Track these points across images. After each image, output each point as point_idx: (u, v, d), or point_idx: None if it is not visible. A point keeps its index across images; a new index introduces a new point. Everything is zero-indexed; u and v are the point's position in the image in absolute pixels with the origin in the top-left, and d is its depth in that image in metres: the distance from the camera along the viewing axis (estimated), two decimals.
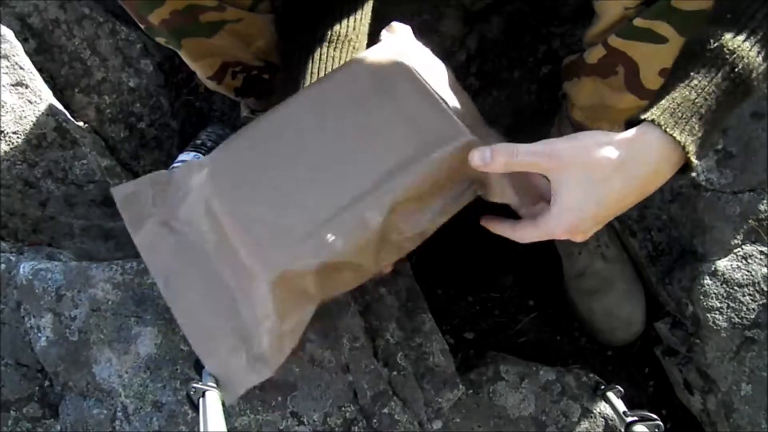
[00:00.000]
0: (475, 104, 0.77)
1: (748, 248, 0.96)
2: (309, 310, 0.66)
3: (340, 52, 0.78)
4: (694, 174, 1.01)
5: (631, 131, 0.57)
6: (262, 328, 0.65)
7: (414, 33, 0.78)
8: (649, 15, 0.70)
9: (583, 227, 0.60)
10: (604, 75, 0.81)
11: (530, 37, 1.24)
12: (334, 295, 0.70)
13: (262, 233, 0.64)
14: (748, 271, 0.96)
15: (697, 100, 0.55)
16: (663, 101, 0.56)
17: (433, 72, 0.73)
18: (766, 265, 0.96)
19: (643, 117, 0.56)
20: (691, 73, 0.56)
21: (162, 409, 0.79)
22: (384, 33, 0.76)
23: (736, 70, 0.55)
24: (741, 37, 0.55)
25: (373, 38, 0.79)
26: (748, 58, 0.55)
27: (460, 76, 1.22)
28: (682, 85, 0.56)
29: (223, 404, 0.67)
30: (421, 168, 0.63)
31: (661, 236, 1.04)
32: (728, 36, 0.55)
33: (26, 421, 0.83)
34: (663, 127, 0.55)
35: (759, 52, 0.55)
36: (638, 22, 0.71)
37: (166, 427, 0.79)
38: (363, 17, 0.80)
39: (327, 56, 0.77)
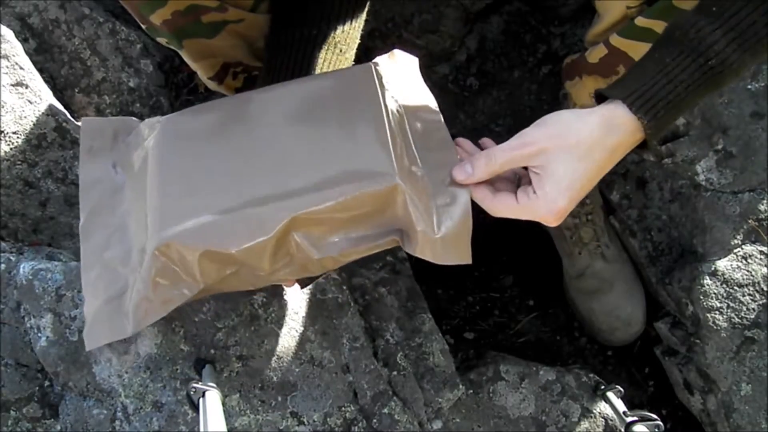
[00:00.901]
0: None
1: (748, 248, 0.97)
2: (186, 292, 0.64)
3: (324, 53, 0.77)
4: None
5: (601, 109, 0.59)
6: (135, 288, 0.65)
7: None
8: (651, 14, 0.70)
9: (568, 208, 0.60)
10: (605, 74, 0.82)
11: (530, 37, 1.24)
12: (226, 290, 0.68)
13: (172, 198, 0.64)
14: (748, 271, 0.96)
15: (667, 86, 0.57)
16: (634, 82, 0.58)
17: (412, 106, 0.71)
18: (766, 265, 0.96)
19: (613, 94, 0.59)
20: (666, 59, 0.58)
21: (162, 409, 0.80)
22: (382, 58, 0.75)
23: (710, 62, 0.57)
24: (720, 32, 0.56)
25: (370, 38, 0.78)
26: (723, 53, 0.56)
27: (460, 76, 1.23)
28: (655, 68, 0.58)
29: (223, 404, 0.67)
30: (333, 194, 0.61)
31: (661, 236, 1.04)
32: (708, 28, 0.56)
33: (26, 421, 0.83)
34: (630, 107, 0.57)
35: (735, 50, 0.56)
36: (640, 21, 0.71)
37: (166, 427, 0.79)
38: (356, 24, 0.80)
39: (312, 57, 0.77)
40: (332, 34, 0.77)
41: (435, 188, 0.63)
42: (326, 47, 0.77)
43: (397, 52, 0.77)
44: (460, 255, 0.61)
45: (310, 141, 0.65)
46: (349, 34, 0.79)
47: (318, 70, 0.76)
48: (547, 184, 0.59)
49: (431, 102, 0.72)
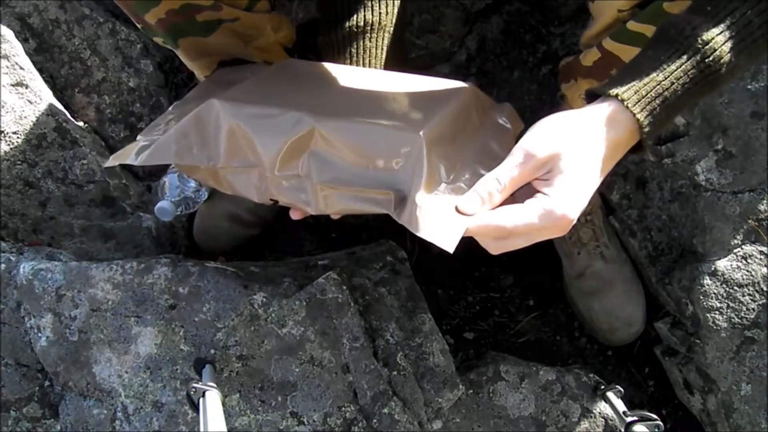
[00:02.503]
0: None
1: (748, 248, 0.96)
2: (205, 159, 0.67)
3: (376, 41, 0.79)
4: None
5: (599, 106, 0.57)
6: (169, 131, 0.69)
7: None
8: (642, 19, 0.70)
9: (581, 207, 0.57)
10: (599, 77, 0.82)
11: (530, 37, 1.24)
12: (235, 191, 0.70)
13: (242, 90, 0.72)
14: (747, 271, 0.96)
15: (663, 83, 0.56)
16: (630, 80, 0.57)
17: (491, 132, 0.73)
18: (766, 265, 0.96)
19: (609, 92, 0.57)
20: (662, 57, 0.57)
21: (162, 409, 0.80)
22: (493, 102, 0.80)
23: (707, 61, 0.56)
24: (716, 30, 0.56)
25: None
26: (719, 52, 0.55)
27: (460, 76, 1.23)
28: (651, 65, 0.57)
29: (223, 404, 0.67)
30: (357, 128, 0.63)
31: (661, 236, 1.04)
32: (705, 27, 0.56)
33: (26, 421, 0.83)
34: (626, 104, 0.56)
35: (731, 48, 0.56)
36: (631, 25, 0.71)
37: (166, 427, 0.79)
38: (394, 3, 0.81)
39: (363, 48, 0.79)
40: (375, 20, 0.79)
41: (454, 181, 0.62)
42: (374, 34, 0.80)
43: (509, 106, 0.80)
44: (444, 238, 0.56)
45: (376, 99, 0.70)
46: (392, 13, 0.81)
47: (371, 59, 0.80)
48: (557, 184, 0.55)
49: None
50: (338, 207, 0.64)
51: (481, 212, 0.57)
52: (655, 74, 0.56)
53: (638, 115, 0.56)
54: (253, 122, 0.65)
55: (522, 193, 0.58)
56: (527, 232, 0.56)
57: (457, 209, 0.57)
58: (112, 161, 0.70)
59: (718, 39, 0.55)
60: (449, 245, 0.55)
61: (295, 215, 0.68)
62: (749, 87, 0.99)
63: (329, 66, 0.78)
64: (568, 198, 0.55)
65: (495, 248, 0.59)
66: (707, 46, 0.55)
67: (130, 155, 0.68)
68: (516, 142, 0.66)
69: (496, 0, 1.21)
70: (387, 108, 0.69)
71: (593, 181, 0.57)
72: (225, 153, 0.66)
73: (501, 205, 0.57)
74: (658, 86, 0.56)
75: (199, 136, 0.67)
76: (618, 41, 0.74)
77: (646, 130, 0.57)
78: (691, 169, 0.99)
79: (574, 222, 0.56)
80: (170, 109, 0.77)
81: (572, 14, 1.21)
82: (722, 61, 0.56)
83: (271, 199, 0.67)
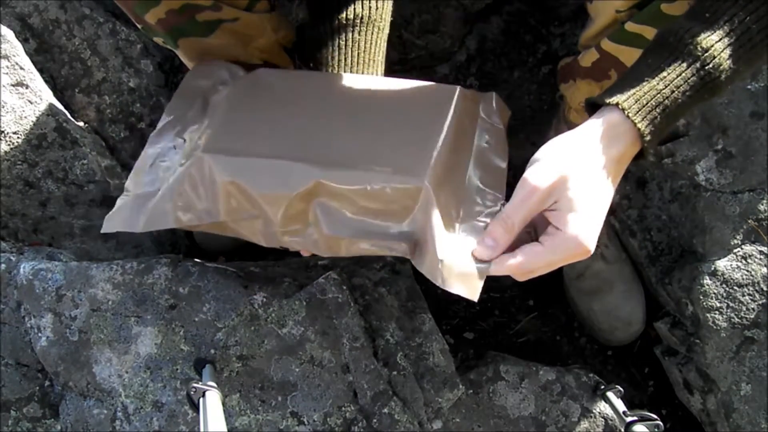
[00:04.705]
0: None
1: (748, 248, 0.97)
2: (205, 215, 0.66)
3: (365, 35, 0.78)
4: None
5: (598, 120, 0.57)
6: (162, 192, 0.67)
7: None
8: (640, 19, 0.69)
9: (597, 231, 0.58)
10: (598, 78, 0.81)
11: (530, 37, 1.24)
12: (241, 236, 0.69)
13: (226, 128, 0.69)
14: (747, 271, 0.96)
15: (664, 91, 0.56)
16: (630, 88, 0.57)
17: (484, 145, 0.72)
18: (765, 265, 0.96)
19: (609, 101, 0.57)
20: (662, 64, 0.57)
21: (162, 409, 0.80)
22: (478, 93, 0.79)
23: (706, 68, 0.56)
24: (715, 37, 0.55)
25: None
26: (719, 59, 0.55)
27: (460, 76, 1.23)
28: (650, 74, 0.57)
29: (224, 404, 0.67)
30: (362, 178, 0.62)
31: (661, 236, 1.04)
32: (703, 34, 0.56)
33: (26, 421, 0.83)
34: (627, 113, 0.56)
35: (730, 55, 0.56)
36: (629, 26, 0.71)
37: (166, 427, 0.79)
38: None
39: (351, 40, 0.78)
40: (365, 14, 0.78)
41: (466, 217, 0.63)
42: (363, 27, 0.78)
43: (495, 95, 0.79)
44: (468, 289, 0.59)
45: (367, 128, 0.68)
46: (382, 8, 0.80)
47: (360, 52, 0.78)
48: (567, 214, 0.56)
49: (503, 148, 0.73)
50: (351, 253, 0.64)
51: (499, 256, 0.59)
52: (655, 82, 0.56)
53: (639, 125, 0.56)
54: (250, 177, 0.63)
55: (537, 218, 0.60)
56: (549, 266, 0.59)
57: (474, 257, 0.59)
58: (109, 227, 0.69)
59: (717, 46, 0.55)
60: (474, 296, 0.59)
61: (306, 254, 0.69)
62: (749, 87, 0.99)
63: (306, 79, 0.76)
64: (581, 228, 0.56)
65: (520, 278, 0.62)
66: (707, 54, 0.55)
67: (125, 218, 0.68)
68: (505, 126, 0.70)
69: (496, 0, 1.22)
70: (385, 142, 0.66)
71: (603, 202, 0.57)
72: (224, 209, 0.65)
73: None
74: (659, 95, 0.56)
75: (194, 194, 0.66)
76: (616, 42, 0.74)
77: (648, 138, 0.57)
78: (691, 169, 0.99)
79: (593, 244, 0.58)
80: (148, 145, 0.74)
81: (572, 14, 1.21)
82: (722, 68, 0.56)
83: (281, 246, 0.67)
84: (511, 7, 1.24)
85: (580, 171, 0.56)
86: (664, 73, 0.56)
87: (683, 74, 0.56)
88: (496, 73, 1.23)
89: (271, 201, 0.63)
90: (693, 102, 0.57)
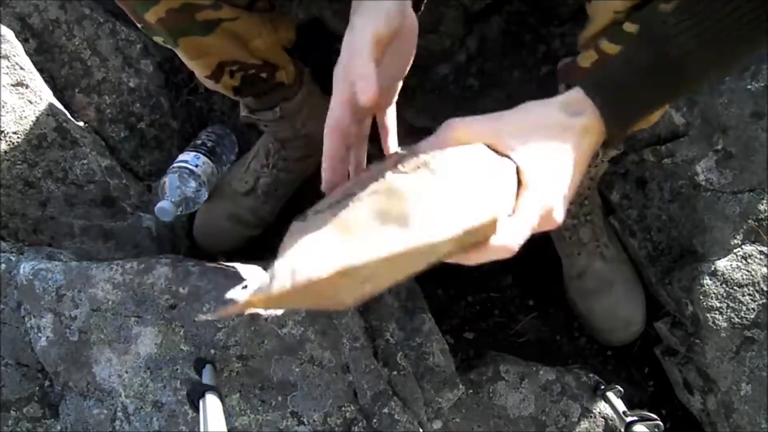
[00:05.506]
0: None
1: (748, 248, 0.97)
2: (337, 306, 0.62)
3: None
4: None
5: (563, 95, 0.57)
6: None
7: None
8: (638, 20, 0.69)
9: (561, 202, 0.55)
10: None
11: (530, 37, 1.24)
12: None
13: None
14: (747, 271, 0.96)
15: (622, 68, 0.56)
16: (597, 71, 0.58)
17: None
18: (765, 265, 0.96)
19: (573, 82, 0.57)
20: (629, 49, 0.57)
21: (162, 409, 0.80)
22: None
23: (669, 49, 0.55)
24: (684, 25, 0.55)
25: None
26: (683, 42, 0.55)
27: (460, 77, 1.23)
28: (616, 58, 0.57)
29: (224, 404, 0.67)
30: None
31: (661, 236, 1.04)
32: (672, 21, 0.55)
33: (27, 421, 0.83)
34: (585, 90, 0.56)
35: (693, 38, 0.55)
36: (627, 27, 0.71)
37: (166, 427, 0.79)
38: None
39: None
40: None
41: None
42: None
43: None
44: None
45: None
46: None
47: None
48: (535, 178, 0.54)
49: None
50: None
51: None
52: (616, 63, 0.57)
53: (600, 108, 0.55)
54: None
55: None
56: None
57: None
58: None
59: (685, 33, 0.55)
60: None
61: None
62: (749, 87, 0.99)
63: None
64: (550, 191, 0.54)
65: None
66: (672, 38, 0.55)
67: None
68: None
69: (496, 0, 1.21)
70: None
71: (565, 168, 0.56)
72: None
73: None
74: (616, 73, 0.56)
75: None
76: (614, 42, 0.74)
77: (607, 119, 0.56)
78: (691, 169, 0.99)
79: (557, 220, 0.55)
80: None
81: (572, 14, 1.21)
82: (685, 49, 0.55)
83: None
84: (511, 7, 1.23)
85: (543, 130, 0.56)
86: (628, 55, 0.57)
87: (645, 55, 0.56)
88: (496, 73, 1.23)
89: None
90: (658, 84, 0.57)
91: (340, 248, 0.46)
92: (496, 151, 0.55)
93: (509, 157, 0.55)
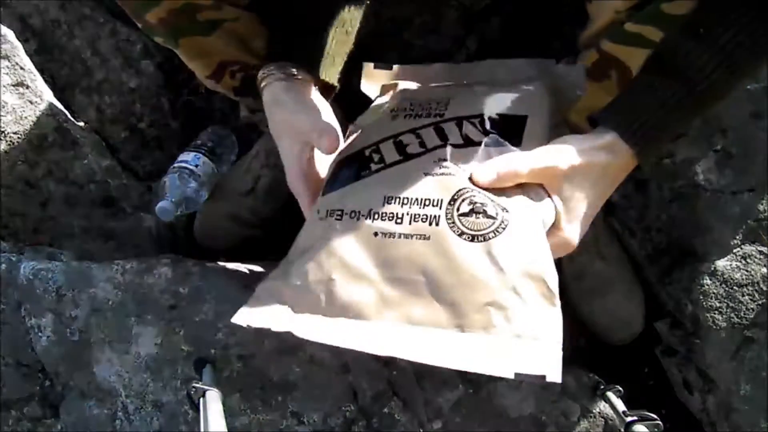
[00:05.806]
0: None
1: (748, 248, 0.96)
2: None
3: (336, 33, 0.78)
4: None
5: (601, 135, 0.62)
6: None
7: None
8: (640, 19, 0.70)
9: (581, 233, 0.63)
10: (598, 79, 0.82)
11: (530, 38, 1.24)
12: None
13: None
14: (747, 271, 0.96)
15: (657, 112, 0.60)
16: (627, 109, 0.62)
17: None
18: (765, 265, 0.96)
19: (606, 122, 0.62)
20: (656, 84, 0.60)
21: (162, 409, 0.80)
22: None
23: (699, 87, 0.59)
24: (707, 55, 0.58)
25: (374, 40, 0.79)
26: (711, 77, 0.58)
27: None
28: (646, 95, 0.60)
29: (224, 404, 0.67)
30: None
31: (661, 236, 1.04)
32: (696, 52, 0.58)
33: (27, 421, 0.83)
34: (623, 137, 0.60)
35: (723, 72, 0.58)
36: (629, 26, 0.71)
37: (167, 427, 0.79)
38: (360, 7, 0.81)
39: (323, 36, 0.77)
40: (341, 13, 0.78)
41: None
42: (335, 26, 0.78)
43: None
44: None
45: None
46: (354, 15, 0.80)
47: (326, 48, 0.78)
48: (563, 214, 0.61)
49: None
50: None
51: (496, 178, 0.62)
52: (649, 103, 0.60)
53: (633, 147, 0.60)
54: None
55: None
56: None
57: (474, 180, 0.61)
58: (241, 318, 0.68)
59: (710, 64, 0.58)
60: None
61: None
62: (749, 87, 0.98)
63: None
64: (572, 230, 0.61)
65: None
66: (700, 72, 0.58)
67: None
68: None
69: (496, 0, 1.21)
70: None
71: (597, 204, 0.62)
72: None
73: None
74: (652, 116, 0.60)
75: None
76: (616, 42, 0.75)
77: (642, 156, 0.61)
78: (690, 169, 0.99)
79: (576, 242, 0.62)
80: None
81: (572, 14, 1.21)
82: (714, 85, 0.59)
83: None
84: (511, 7, 1.23)
85: (586, 171, 0.60)
86: (659, 93, 0.60)
87: (677, 94, 0.59)
88: None
89: None
90: (687, 118, 0.61)
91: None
92: (544, 188, 0.61)
93: (551, 198, 0.61)
